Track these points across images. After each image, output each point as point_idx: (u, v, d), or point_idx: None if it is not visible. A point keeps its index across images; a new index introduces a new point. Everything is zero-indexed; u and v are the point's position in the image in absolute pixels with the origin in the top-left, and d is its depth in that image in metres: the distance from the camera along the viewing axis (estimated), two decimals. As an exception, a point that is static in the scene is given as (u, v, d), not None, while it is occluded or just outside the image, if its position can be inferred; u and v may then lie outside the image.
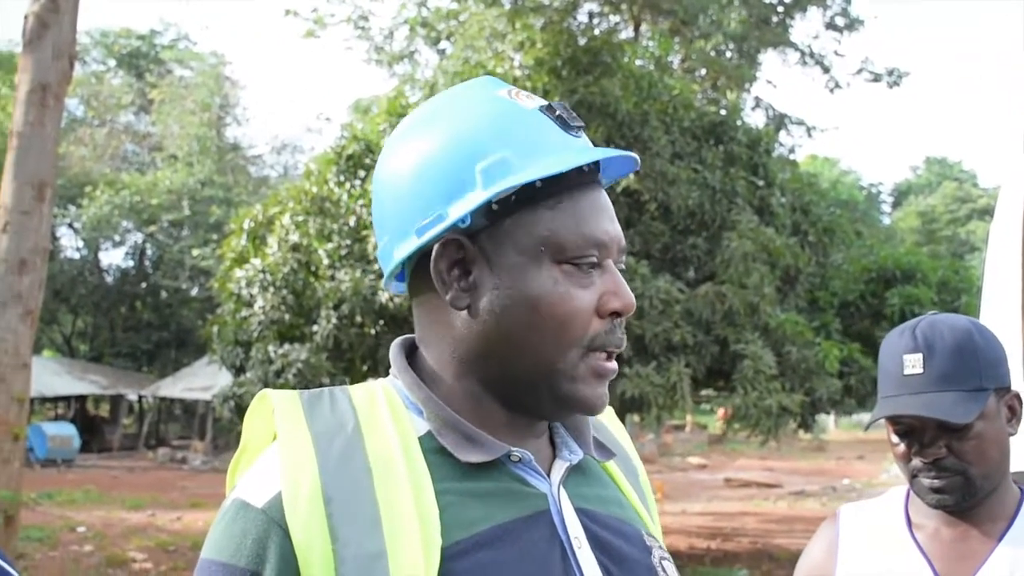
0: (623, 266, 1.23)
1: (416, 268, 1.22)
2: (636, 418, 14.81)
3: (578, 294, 1.16)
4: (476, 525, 1.11)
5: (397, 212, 1.20)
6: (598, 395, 1.19)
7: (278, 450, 1.12)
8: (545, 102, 1.20)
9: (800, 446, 37.11)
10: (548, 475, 1.21)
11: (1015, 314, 5.53)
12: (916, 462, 1.89)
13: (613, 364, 1.20)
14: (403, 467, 1.10)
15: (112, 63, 41.99)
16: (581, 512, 1.20)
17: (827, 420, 39.23)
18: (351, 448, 1.11)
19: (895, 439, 1.94)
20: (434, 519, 1.07)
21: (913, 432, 1.89)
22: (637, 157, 1.27)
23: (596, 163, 1.21)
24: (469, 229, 1.16)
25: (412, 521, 1.06)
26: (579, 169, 1.17)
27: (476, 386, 1.19)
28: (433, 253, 1.17)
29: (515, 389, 1.18)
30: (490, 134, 1.16)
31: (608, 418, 1.42)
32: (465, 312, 1.17)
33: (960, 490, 1.87)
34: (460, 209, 1.14)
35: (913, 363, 1.89)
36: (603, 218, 1.19)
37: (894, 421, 1.92)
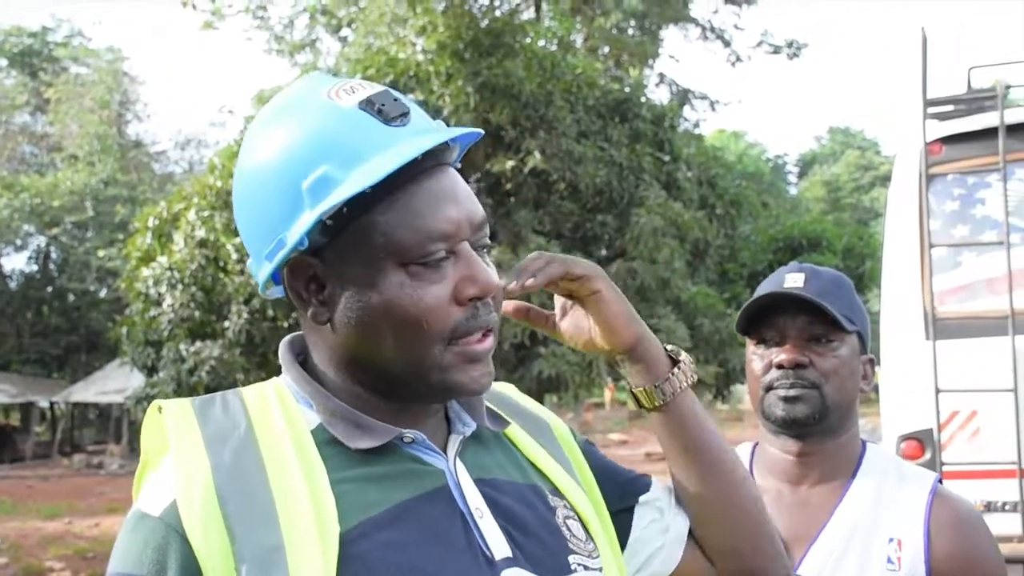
0: (487, 242, 1.22)
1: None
2: (555, 398, 14.87)
3: (429, 291, 1.15)
4: (374, 508, 1.12)
5: (248, 236, 1.21)
6: (474, 378, 1.19)
7: (171, 458, 1.12)
8: (366, 94, 1.17)
9: (719, 417, 37.62)
10: (444, 451, 1.23)
11: (914, 274, 5.65)
12: (774, 373, 1.89)
13: (484, 344, 1.19)
14: (295, 461, 1.11)
15: (3, 62, 40.93)
16: (481, 482, 1.22)
17: (742, 390, 39.81)
18: (243, 448, 1.12)
19: (755, 354, 1.95)
20: (329, 507, 1.08)
21: (778, 342, 1.92)
22: (473, 130, 1.25)
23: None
24: (311, 248, 1.15)
25: (307, 512, 1.07)
26: (412, 159, 1.13)
27: (356, 386, 1.21)
28: (284, 275, 1.19)
29: (393, 387, 1.20)
30: (310, 148, 1.14)
31: (511, 390, 1.45)
32: (328, 326, 1.18)
33: (812, 405, 1.87)
34: (295, 233, 1.13)
35: (795, 280, 1.92)
36: (445, 205, 1.16)
37: (762, 325, 1.93)
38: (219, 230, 11.92)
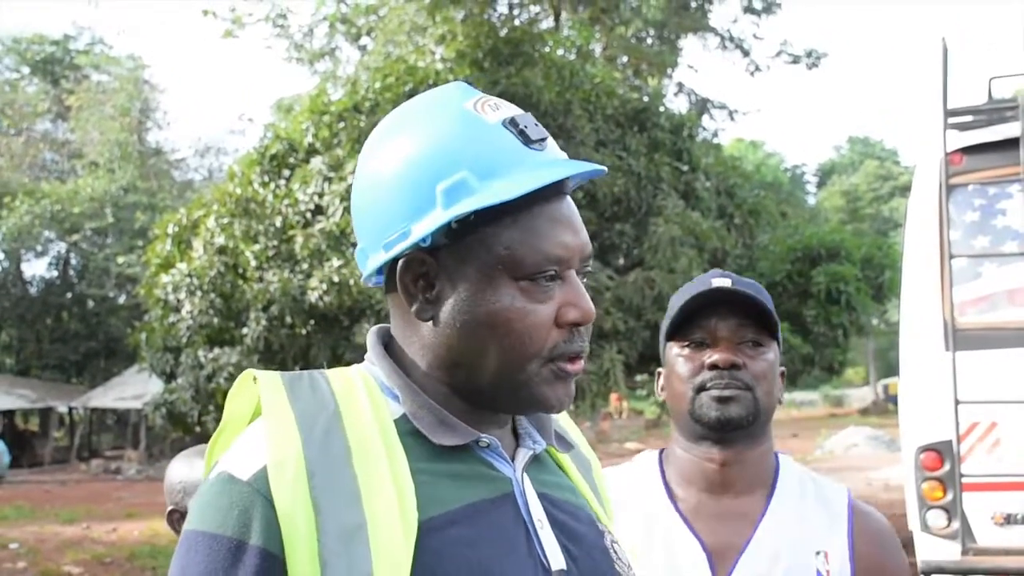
0: (589, 269, 1.28)
1: (390, 271, 1.27)
2: (572, 407, 14.85)
3: (535, 309, 1.20)
4: (448, 503, 1.17)
5: (368, 223, 1.26)
6: (558, 396, 1.24)
7: (264, 426, 1.17)
8: (510, 115, 1.23)
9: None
10: (512, 462, 1.28)
11: (934, 285, 5.63)
12: (707, 374, 1.88)
13: (575, 366, 1.24)
14: (380, 446, 1.16)
15: (26, 70, 41.15)
16: (542, 496, 1.27)
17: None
18: (331, 428, 1.17)
19: (681, 356, 1.93)
20: (410, 494, 1.13)
21: (711, 343, 1.91)
22: (601, 168, 1.28)
23: None
24: (432, 246, 1.21)
25: (390, 496, 1.12)
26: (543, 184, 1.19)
27: (443, 385, 1.25)
28: (398, 267, 1.23)
29: (480, 394, 1.24)
30: (451, 153, 1.19)
31: (565, 420, 1.49)
32: (430, 323, 1.23)
33: (746, 406, 1.87)
34: (422, 229, 1.19)
35: (723, 283, 1.92)
36: (563, 231, 1.22)
37: (692, 327, 1.92)
38: (238, 237, 11.96)
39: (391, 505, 1.12)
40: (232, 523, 1.11)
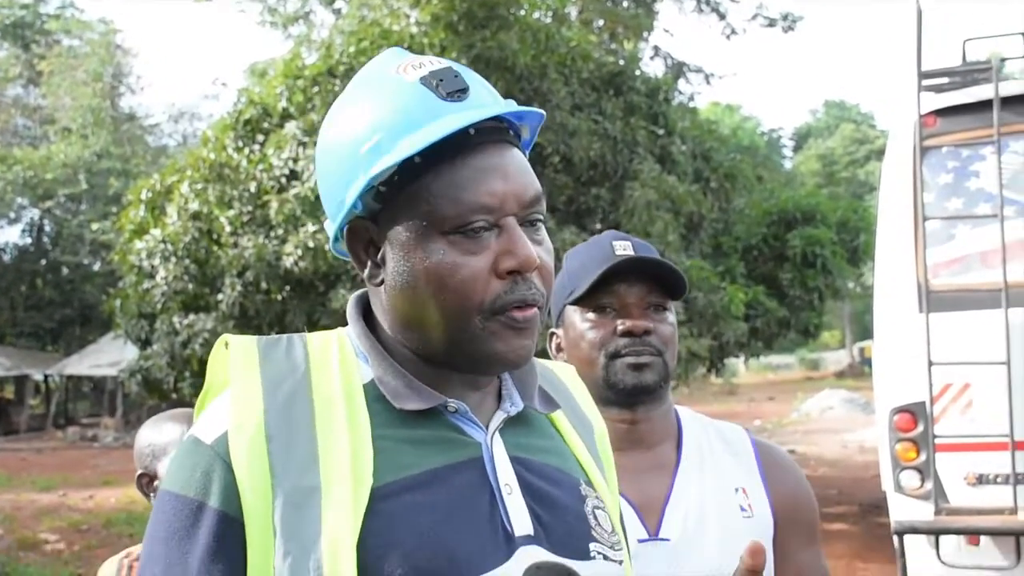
0: (539, 217, 1.25)
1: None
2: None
3: (467, 261, 1.19)
4: (407, 469, 1.17)
5: (322, 194, 1.29)
6: (512, 348, 1.22)
7: (230, 393, 1.20)
8: (428, 70, 1.23)
9: (712, 390, 37.73)
10: (487, 427, 1.27)
11: (908, 247, 5.65)
12: (620, 341, 1.90)
13: (527, 312, 1.22)
14: (343, 411, 1.18)
15: (-4, 35, 40.71)
16: (516, 460, 1.26)
17: (737, 363, 39.93)
18: (297, 392, 1.19)
19: (588, 321, 1.95)
20: (367, 460, 1.15)
21: (619, 309, 1.93)
22: (526, 108, 1.26)
23: (498, 120, 1.23)
24: (368, 212, 1.23)
25: (346, 461, 1.14)
26: (464, 132, 1.19)
27: (407, 349, 1.26)
28: (345, 235, 1.26)
29: (436, 354, 1.24)
30: (370, 118, 1.21)
31: (570, 379, 1.50)
32: (382, 287, 1.25)
33: (658, 372, 1.91)
34: (351, 195, 1.22)
35: (623, 247, 1.95)
36: (490, 179, 1.20)
37: (601, 292, 1.93)
38: (212, 203, 11.88)
39: (345, 470, 1.13)
40: (195, 485, 1.15)
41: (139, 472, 2.44)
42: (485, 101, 1.23)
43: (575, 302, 1.96)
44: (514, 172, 1.22)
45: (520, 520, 1.21)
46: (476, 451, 1.23)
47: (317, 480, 1.13)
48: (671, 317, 1.95)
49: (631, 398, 1.92)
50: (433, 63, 1.24)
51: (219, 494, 1.13)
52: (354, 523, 1.10)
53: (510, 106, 1.24)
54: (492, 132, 1.22)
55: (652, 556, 1.82)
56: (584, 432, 1.42)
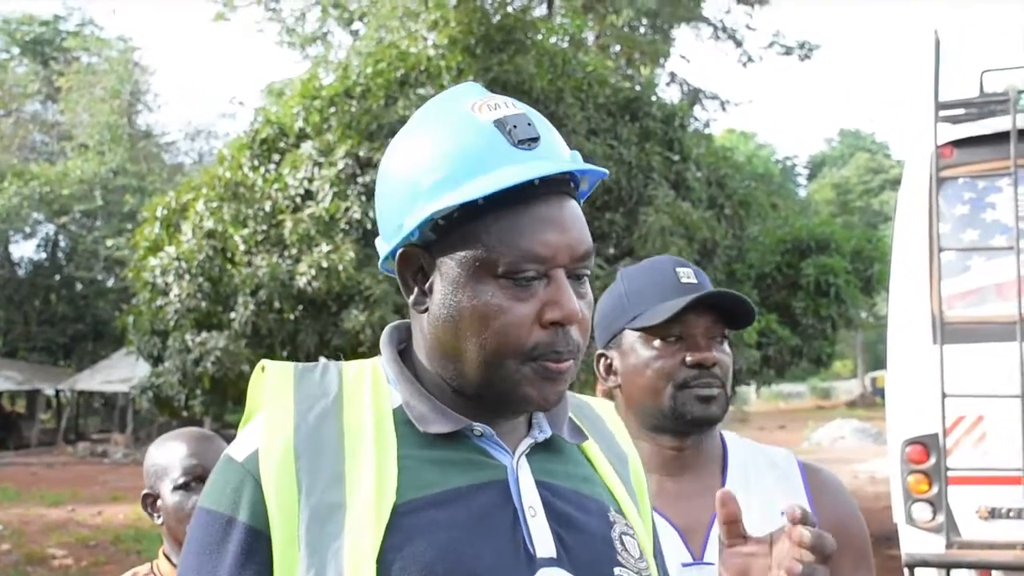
0: (587, 271, 1.27)
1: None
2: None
3: (513, 306, 1.22)
4: (430, 487, 1.21)
5: (379, 215, 1.33)
6: (542, 395, 1.25)
7: (263, 414, 1.26)
8: (503, 114, 1.25)
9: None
10: (514, 452, 1.30)
11: (923, 278, 5.63)
12: (688, 372, 1.90)
13: (561, 365, 1.24)
14: (371, 433, 1.23)
15: (15, 51, 40.95)
16: (542, 484, 1.28)
17: (749, 391, 39.79)
18: (327, 414, 1.24)
19: (656, 349, 1.93)
20: (391, 478, 1.19)
21: (686, 339, 1.92)
22: (599, 169, 1.31)
23: (561, 173, 1.25)
24: (423, 240, 1.26)
25: (370, 479, 1.18)
26: (529, 182, 1.21)
27: (440, 378, 1.29)
28: (396, 259, 1.29)
29: (467, 386, 1.27)
30: (440, 151, 1.24)
31: (607, 413, 1.53)
32: (425, 314, 1.28)
33: (722, 404, 1.92)
34: (410, 223, 1.24)
35: (687, 275, 1.95)
36: (547, 230, 1.22)
37: (672, 322, 1.91)
38: (227, 221, 11.91)
39: (369, 488, 1.17)
40: (226, 500, 1.21)
41: (144, 491, 2.43)
42: (554, 153, 1.26)
43: (638, 328, 1.95)
44: (570, 225, 1.25)
45: (543, 542, 1.23)
46: (501, 473, 1.26)
47: (342, 497, 1.17)
48: (728, 346, 1.96)
49: (695, 429, 1.94)
50: (508, 106, 1.27)
51: (248, 509, 1.19)
52: (375, 538, 1.14)
53: (577, 162, 1.28)
54: (555, 183, 1.25)
55: None
56: (618, 464, 1.44)
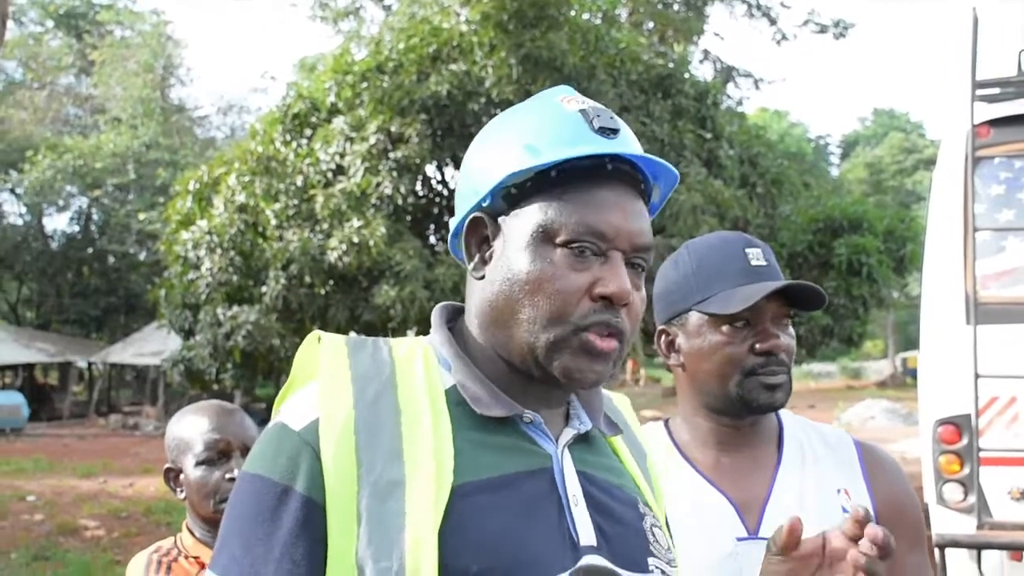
0: (643, 264, 1.32)
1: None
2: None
3: (569, 275, 1.26)
4: (484, 471, 1.23)
5: (460, 188, 1.38)
6: (583, 369, 1.27)
7: (320, 384, 1.26)
8: (588, 106, 1.33)
9: (752, 397, 37.44)
10: (556, 440, 1.33)
11: (957, 258, 5.59)
12: (757, 359, 1.89)
13: (606, 343, 1.27)
14: (428, 412, 1.24)
15: (50, 24, 41.18)
16: (582, 475, 1.31)
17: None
18: (384, 391, 1.25)
19: (724, 335, 1.91)
20: (449, 460, 1.20)
21: (753, 324, 1.90)
22: (669, 167, 1.35)
23: (630, 164, 1.31)
24: (493, 209, 1.31)
25: (429, 459, 1.19)
26: (599, 165, 1.28)
27: (490, 350, 1.33)
28: (464, 227, 1.34)
29: (514, 355, 1.30)
30: (529, 126, 1.31)
31: (625, 408, 1.56)
32: (482, 281, 1.32)
33: (787, 390, 1.91)
34: (489, 183, 1.30)
35: (757, 256, 1.94)
36: (613, 212, 1.28)
37: (744, 310, 1.88)
38: (259, 195, 11.96)
39: (429, 468, 1.18)
40: (280, 468, 1.20)
41: (166, 466, 2.43)
42: (632, 146, 1.32)
43: (709, 312, 1.92)
44: (634, 216, 1.30)
45: (585, 531, 1.26)
46: (547, 462, 1.29)
47: (401, 475, 1.18)
48: (792, 330, 1.95)
49: (757, 414, 1.95)
50: (593, 105, 1.33)
51: (305, 479, 1.19)
52: (435, 518, 1.16)
53: (649, 157, 1.32)
54: (627, 176, 1.31)
55: (752, 554, 1.81)
56: (638, 457, 1.48)
